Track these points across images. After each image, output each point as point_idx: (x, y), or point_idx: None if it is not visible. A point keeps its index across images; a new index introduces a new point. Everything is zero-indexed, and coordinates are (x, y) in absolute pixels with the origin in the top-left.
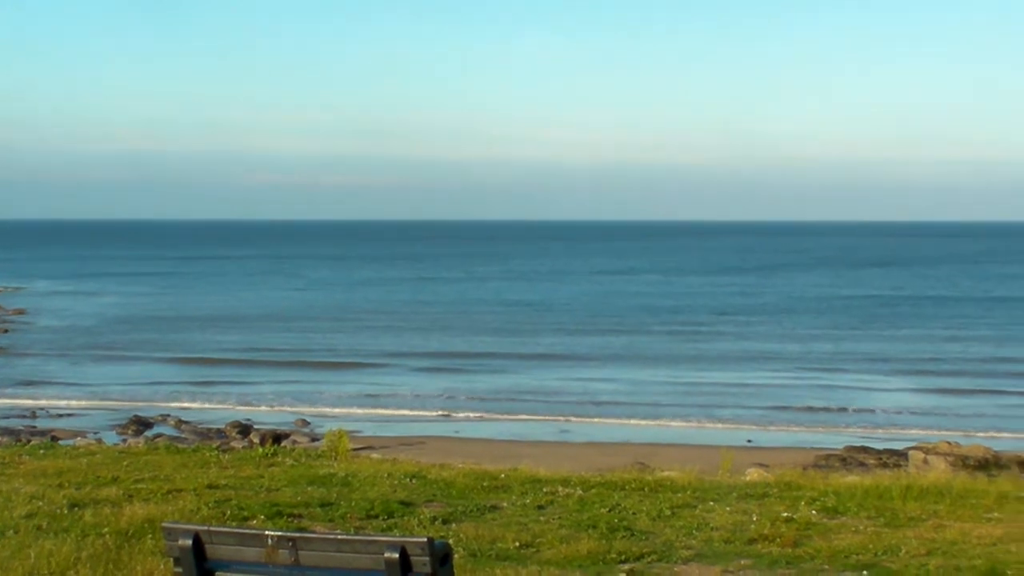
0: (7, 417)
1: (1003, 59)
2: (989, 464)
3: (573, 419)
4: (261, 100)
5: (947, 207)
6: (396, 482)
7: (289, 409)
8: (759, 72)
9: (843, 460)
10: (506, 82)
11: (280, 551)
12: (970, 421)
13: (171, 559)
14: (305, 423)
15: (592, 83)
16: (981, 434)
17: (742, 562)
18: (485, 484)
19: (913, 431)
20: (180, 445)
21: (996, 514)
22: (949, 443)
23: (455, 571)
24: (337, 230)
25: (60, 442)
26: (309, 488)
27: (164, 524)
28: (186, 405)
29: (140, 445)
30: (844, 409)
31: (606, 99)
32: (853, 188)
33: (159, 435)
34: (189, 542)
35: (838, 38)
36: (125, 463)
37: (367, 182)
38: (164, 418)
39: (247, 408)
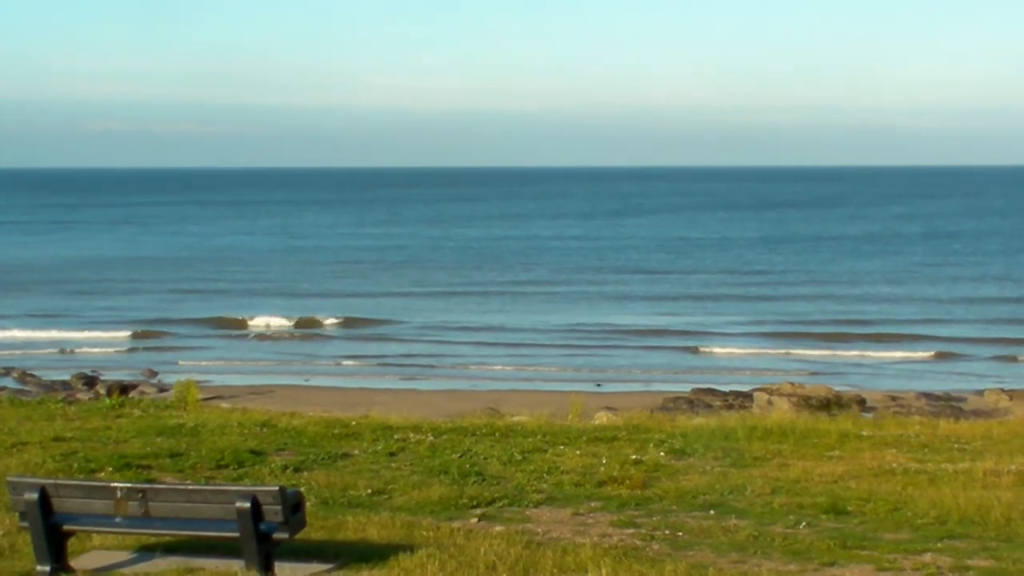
0: None
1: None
2: (831, 404)
3: (423, 373)
4: (98, 47)
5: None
6: (246, 431)
7: (131, 369)
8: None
9: (690, 402)
10: (352, 30)
11: (129, 503)
12: (813, 368)
13: (17, 514)
14: (153, 373)
15: (436, 31)
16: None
17: (592, 504)
18: (336, 432)
19: (759, 375)
20: (24, 398)
21: (837, 452)
22: (792, 384)
23: (307, 519)
24: (182, 177)
25: None
26: (158, 439)
27: (9, 478)
28: (30, 356)
29: None
30: (692, 351)
31: (449, 46)
32: (701, 134)
33: (1, 388)
34: (35, 496)
35: None
36: None
37: (210, 130)
38: (7, 371)
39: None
